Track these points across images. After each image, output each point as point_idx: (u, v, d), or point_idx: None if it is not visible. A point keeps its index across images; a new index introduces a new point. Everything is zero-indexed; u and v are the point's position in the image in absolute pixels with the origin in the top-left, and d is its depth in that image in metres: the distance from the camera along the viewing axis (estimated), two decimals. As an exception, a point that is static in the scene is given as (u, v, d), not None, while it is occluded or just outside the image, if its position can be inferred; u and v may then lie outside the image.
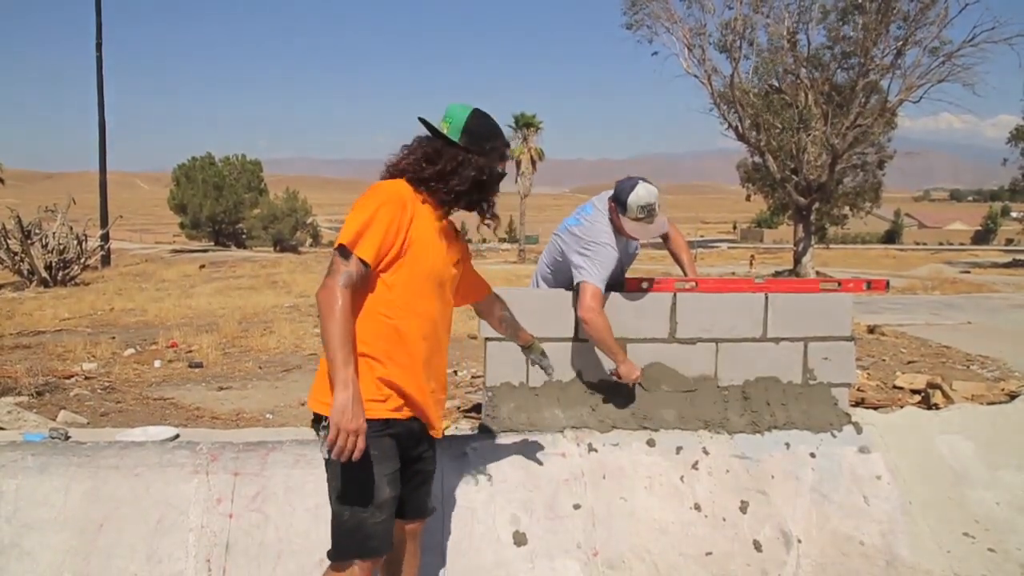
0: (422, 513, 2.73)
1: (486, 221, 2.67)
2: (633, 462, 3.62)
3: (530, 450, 3.59)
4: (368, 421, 2.27)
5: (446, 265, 2.56)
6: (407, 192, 2.44)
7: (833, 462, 3.75)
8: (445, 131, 2.51)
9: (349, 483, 2.37)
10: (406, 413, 2.47)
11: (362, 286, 2.36)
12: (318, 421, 2.37)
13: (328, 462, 2.38)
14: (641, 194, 3.53)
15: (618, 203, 3.59)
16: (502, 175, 2.60)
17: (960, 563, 3.43)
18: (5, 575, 2.99)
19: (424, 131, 2.57)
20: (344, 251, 2.30)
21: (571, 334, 3.75)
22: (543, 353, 3.19)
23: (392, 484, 2.43)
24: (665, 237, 4.04)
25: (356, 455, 2.22)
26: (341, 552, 2.43)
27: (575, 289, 3.66)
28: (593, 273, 3.59)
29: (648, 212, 3.55)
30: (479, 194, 2.55)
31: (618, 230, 3.66)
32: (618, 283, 3.84)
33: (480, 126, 2.53)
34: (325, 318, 2.25)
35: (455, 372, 6.73)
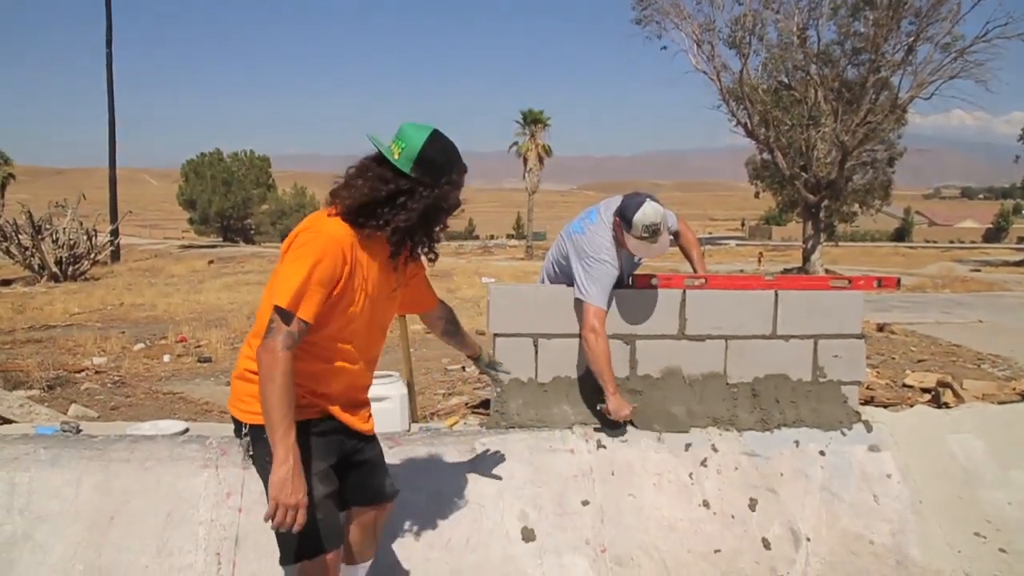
0: (380, 498, 2.69)
1: (423, 258, 2.51)
2: (642, 459, 3.62)
3: (539, 446, 3.60)
4: None
5: (379, 302, 2.45)
6: (346, 238, 2.28)
7: (843, 460, 3.74)
8: (396, 157, 2.29)
9: None
10: (326, 414, 2.45)
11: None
12: (239, 426, 2.39)
13: (261, 468, 2.37)
14: (648, 213, 3.47)
15: (623, 219, 3.54)
16: (454, 207, 2.40)
17: (971, 563, 3.42)
18: (19, 567, 3.01)
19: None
20: (284, 312, 2.19)
21: (578, 330, 3.74)
22: (491, 364, 3.17)
23: (325, 481, 2.39)
24: (676, 234, 4.03)
25: (296, 528, 2.21)
26: (288, 555, 2.39)
27: (576, 302, 3.67)
28: (594, 293, 3.59)
29: (652, 232, 3.50)
30: (424, 229, 2.37)
31: (620, 245, 3.64)
32: (617, 285, 3.83)
33: (436, 154, 2.31)
34: (265, 381, 2.18)
35: (463, 368, 6.73)
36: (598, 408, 3.68)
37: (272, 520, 2.19)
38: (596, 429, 3.73)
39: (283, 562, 2.41)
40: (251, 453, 2.39)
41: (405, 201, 2.28)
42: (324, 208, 2.39)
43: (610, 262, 3.62)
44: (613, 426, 3.71)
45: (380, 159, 2.32)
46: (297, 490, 2.19)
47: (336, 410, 2.47)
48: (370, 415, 2.64)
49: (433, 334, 3.06)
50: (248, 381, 2.36)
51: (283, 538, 2.36)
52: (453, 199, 2.39)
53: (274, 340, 2.18)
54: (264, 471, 2.33)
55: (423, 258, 2.51)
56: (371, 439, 2.65)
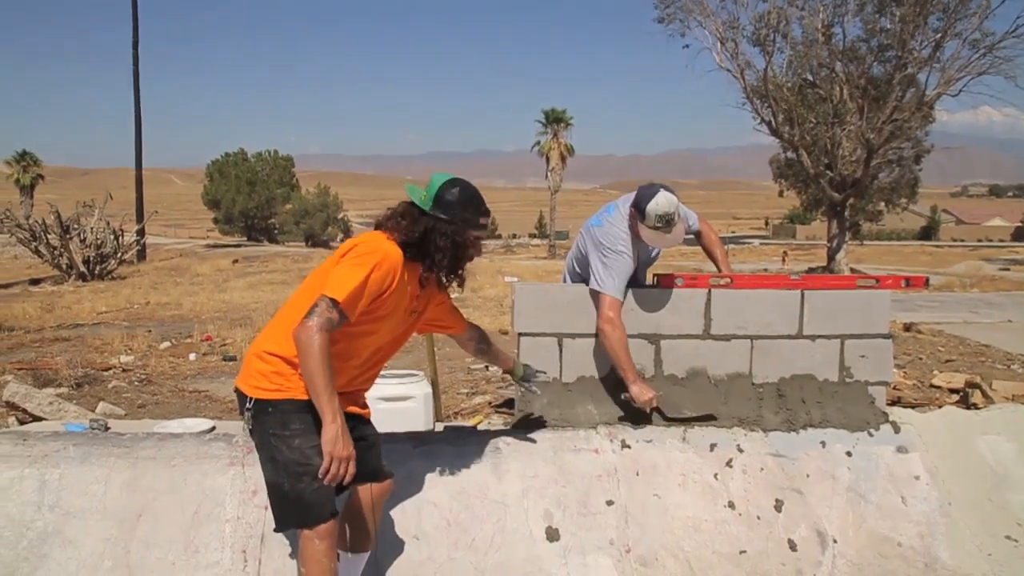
0: (377, 477, 2.82)
1: (448, 284, 2.83)
2: (667, 459, 3.60)
3: (563, 446, 3.59)
4: (289, 400, 2.52)
5: (398, 318, 2.73)
6: (399, 259, 2.61)
7: (870, 461, 3.70)
8: (422, 199, 2.68)
9: (283, 456, 2.53)
10: None
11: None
12: (243, 401, 2.61)
13: (258, 439, 2.60)
14: (660, 203, 3.50)
15: (638, 210, 3.57)
16: (470, 243, 2.73)
17: (1002, 567, 3.37)
18: (49, 562, 3.05)
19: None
20: (334, 303, 2.45)
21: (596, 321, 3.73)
22: (526, 376, 3.42)
23: (320, 454, 2.52)
24: (698, 234, 4.03)
25: (348, 479, 2.48)
26: (284, 522, 2.60)
27: (592, 294, 3.68)
28: (610, 283, 3.60)
29: (666, 222, 3.52)
30: (451, 264, 2.72)
31: (636, 236, 3.65)
32: (636, 283, 3.84)
33: (453, 195, 2.67)
34: (305, 356, 2.42)
35: (486, 367, 6.74)
36: (622, 397, 3.68)
37: (327, 475, 2.43)
38: (621, 420, 3.73)
39: (280, 528, 2.62)
40: (251, 427, 2.58)
41: (435, 239, 2.64)
42: (373, 230, 2.74)
43: (627, 253, 3.63)
44: (638, 416, 3.70)
45: (412, 203, 2.70)
46: (347, 445, 2.45)
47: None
48: (366, 404, 2.90)
49: (466, 351, 3.33)
50: (264, 361, 2.57)
51: (285, 506, 2.56)
52: (468, 235, 2.71)
53: (313, 320, 2.42)
54: (263, 444, 2.57)
55: (452, 286, 2.84)
56: (367, 421, 2.84)
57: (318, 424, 2.51)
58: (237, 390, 2.66)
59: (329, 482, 2.46)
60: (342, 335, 2.55)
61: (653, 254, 3.91)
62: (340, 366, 2.59)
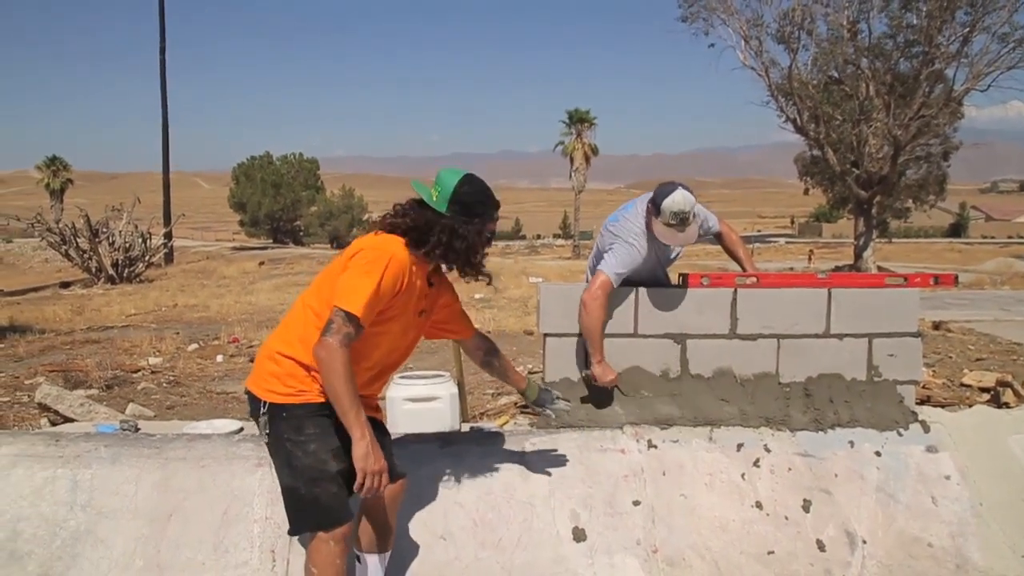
0: (392, 474, 2.74)
1: (467, 279, 2.79)
2: (693, 459, 3.59)
3: (589, 446, 3.59)
4: (304, 404, 2.52)
5: (409, 318, 2.69)
6: (407, 260, 2.58)
7: (899, 461, 3.66)
8: (434, 200, 2.63)
9: (299, 461, 2.52)
10: None
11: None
12: (257, 405, 2.58)
13: (273, 444, 2.58)
14: (677, 200, 3.48)
15: (654, 205, 3.57)
16: (489, 239, 2.72)
17: (1034, 567, 3.32)
18: (82, 561, 3.09)
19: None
20: (351, 317, 2.43)
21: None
22: (540, 399, 3.20)
23: (337, 458, 2.55)
24: (719, 235, 4.01)
25: (382, 490, 2.49)
26: (300, 525, 2.59)
27: (591, 271, 3.77)
28: (610, 264, 3.63)
29: (680, 220, 3.50)
30: (465, 258, 2.68)
31: (650, 231, 3.64)
32: (658, 283, 3.87)
33: (469, 194, 2.63)
34: (329, 375, 2.41)
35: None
36: (583, 374, 3.71)
37: (362, 489, 2.44)
38: (583, 400, 3.75)
39: (295, 531, 2.61)
40: (267, 431, 2.57)
41: (450, 238, 2.60)
42: (378, 230, 2.68)
43: (636, 245, 3.64)
44: (597, 393, 3.73)
45: (422, 202, 2.66)
46: (379, 459, 2.46)
47: None
48: (379, 407, 2.91)
49: (474, 362, 3.20)
50: (276, 363, 2.56)
51: (301, 510, 2.56)
52: (488, 231, 2.69)
53: (334, 337, 2.41)
54: (279, 449, 2.55)
55: (476, 279, 2.78)
56: (377, 423, 2.81)
57: (334, 427, 2.52)
58: (248, 392, 2.65)
59: (365, 495, 2.47)
60: (358, 343, 2.53)
61: (673, 254, 3.91)
62: (363, 370, 2.60)
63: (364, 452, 2.42)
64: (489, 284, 2.83)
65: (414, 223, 2.61)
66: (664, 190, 3.55)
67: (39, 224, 22.13)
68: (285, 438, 2.53)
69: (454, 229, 2.61)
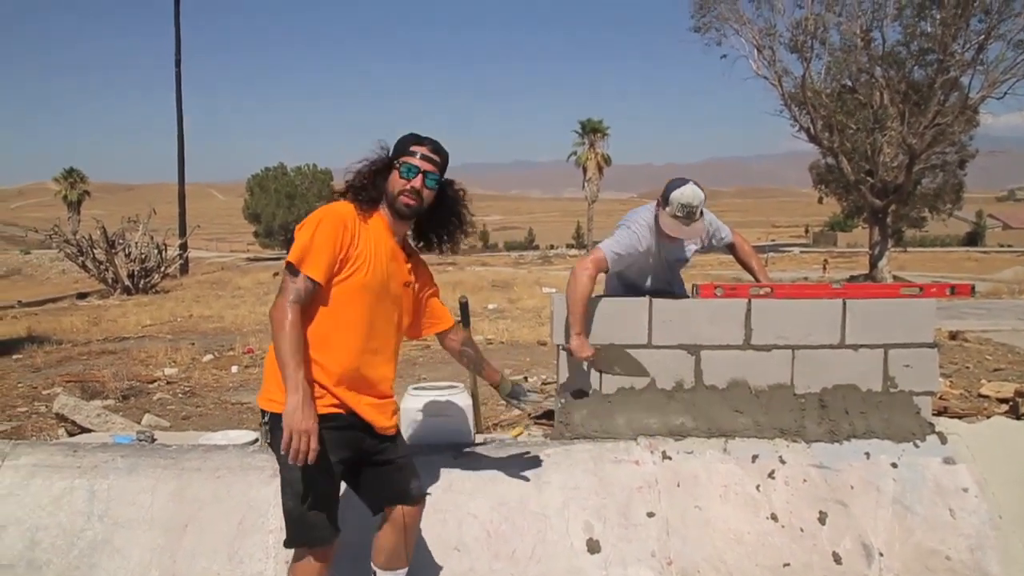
0: (404, 499, 2.77)
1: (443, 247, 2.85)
2: (708, 470, 3.58)
3: (603, 457, 3.58)
4: None
5: (385, 280, 2.65)
6: (348, 212, 2.60)
7: (916, 473, 3.63)
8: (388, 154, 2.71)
9: (289, 475, 2.50)
10: (344, 409, 2.59)
11: (311, 302, 2.53)
12: (263, 415, 2.60)
13: (277, 454, 2.52)
14: (686, 192, 3.55)
15: (663, 197, 3.63)
16: (413, 170, 2.65)
17: (1054, 580, 3.29)
18: (99, 571, 3.12)
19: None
20: (292, 269, 2.48)
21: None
22: (513, 392, 3.15)
23: (329, 475, 2.54)
24: (731, 247, 4.03)
25: (311, 456, 2.37)
26: (290, 540, 2.57)
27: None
28: (608, 244, 3.70)
29: (687, 213, 3.56)
30: (395, 197, 2.65)
31: (658, 227, 3.69)
32: (670, 289, 3.93)
33: (400, 139, 2.72)
34: (276, 332, 2.43)
35: (524, 378, 6.74)
36: (561, 347, 3.73)
37: (288, 450, 2.35)
38: (564, 387, 3.70)
39: (288, 544, 2.58)
40: (269, 440, 2.60)
41: (373, 177, 2.65)
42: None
43: (637, 233, 3.72)
44: (575, 376, 3.74)
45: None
46: (307, 417, 2.36)
47: (349, 397, 2.59)
48: (394, 412, 2.79)
49: (453, 356, 3.16)
50: (276, 372, 2.52)
51: (289, 524, 2.54)
52: (403, 163, 2.65)
53: (283, 297, 2.46)
54: (279, 459, 2.53)
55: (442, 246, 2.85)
56: (396, 441, 2.77)
57: (333, 441, 2.51)
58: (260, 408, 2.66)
59: (292, 461, 2.36)
60: (334, 305, 2.55)
61: (687, 253, 3.94)
62: (340, 341, 2.57)
63: (293, 407, 2.35)
64: (446, 251, 2.88)
65: (356, 179, 2.67)
66: (675, 183, 3.62)
67: (57, 236, 22.31)
68: (281, 450, 2.47)
69: (377, 170, 2.66)
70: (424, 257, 2.93)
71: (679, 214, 3.55)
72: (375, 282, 2.61)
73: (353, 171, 2.69)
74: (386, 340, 2.73)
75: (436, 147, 2.71)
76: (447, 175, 2.77)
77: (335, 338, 2.57)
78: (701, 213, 3.60)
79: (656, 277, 3.93)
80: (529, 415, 5.18)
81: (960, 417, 4.54)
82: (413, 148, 2.68)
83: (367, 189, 2.65)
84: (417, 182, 2.64)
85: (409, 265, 2.78)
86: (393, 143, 2.72)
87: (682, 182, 3.60)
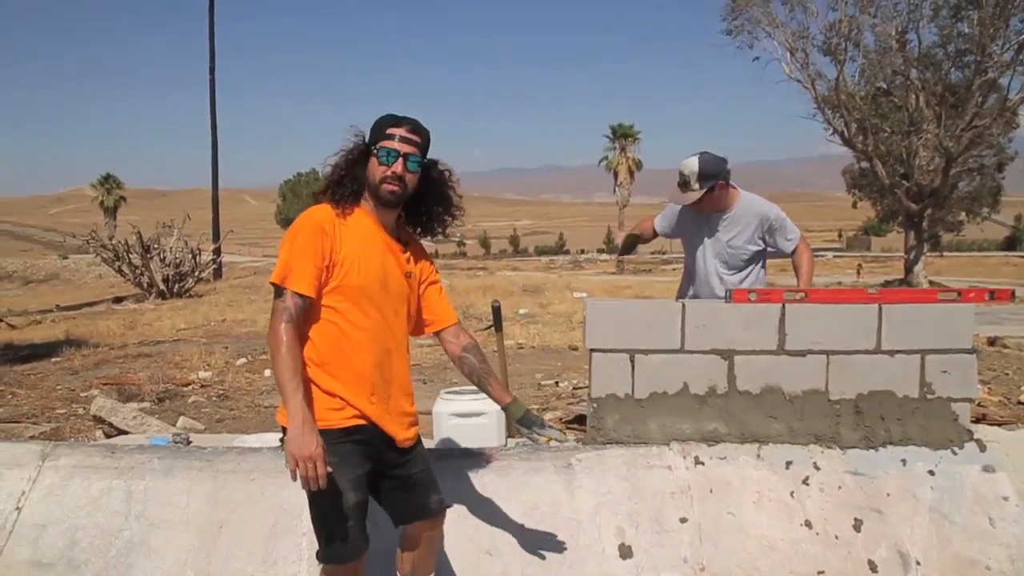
0: (423, 514, 2.71)
1: (436, 234, 2.73)
2: (741, 476, 3.54)
3: (635, 462, 3.56)
4: (327, 431, 2.39)
5: (382, 276, 2.54)
6: (325, 216, 2.48)
7: (954, 481, 3.57)
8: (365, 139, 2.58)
9: (313, 495, 2.40)
10: (365, 421, 2.52)
11: (306, 317, 2.45)
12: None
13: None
14: (685, 162, 4.00)
15: None
16: (392, 154, 2.49)
17: (1098, 592, 3.22)
18: (135, 571, 3.16)
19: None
20: (277, 289, 2.41)
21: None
22: (523, 421, 2.81)
23: (357, 489, 2.47)
24: (794, 252, 4.25)
25: (322, 482, 2.30)
26: (322, 555, 2.53)
27: None
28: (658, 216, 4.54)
29: (683, 180, 3.99)
30: (377, 185, 2.51)
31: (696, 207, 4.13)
32: (707, 270, 4.24)
33: (376, 122, 2.56)
34: (273, 357, 2.37)
35: (556, 383, 6.73)
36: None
37: (296, 477, 2.30)
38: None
39: (319, 560, 2.54)
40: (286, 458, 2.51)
41: (349, 169, 2.53)
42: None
43: (675, 208, 4.32)
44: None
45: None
46: (310, 443, 2.28)
47: (371, 409, 2.52)
48: (412, 423, 2.68)
49: (453, 362, 2.87)
50: None
51: (321, 539, 2.51)
52: (381, 148, 2.50)
53: (276, 319, 2.39)
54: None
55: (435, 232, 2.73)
56: (416, 454, 2.69)
57: (358, 455, 2.48)
58: None
59: (305, 487, 2.31)
60: (336, 312, 2.47)
61: (740, 239, 4.16)
62: (351, 346, 2.50)
63: (295, 434, 2.28)
64: (438, 237, 2.79)
65: (333, 173, 2.56)
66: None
67: (94, 241, 22.69)
68: (290, 478, 2.39)
69: (355, 160, 2.53)
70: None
71: (679, 180, 4.00)
72: (371, 280, 2.51)
73: (330, 165, 2.56)
74: (398, 337, 2.64)
75: (415, 126, 2.53)
76: (430, 155, 2.61)
77: (346, 344, 2.50)
78: (698, 183, 3.94)
79: (705, 257, 4.22)
80: (560, 419, 5.17)
81: (999, 424, 4.46)
82: (390, 131, 2.50)
83: (346, 183, 2.52)
84: (398, 167, 2.48)
85: (407, 254, 2.65)
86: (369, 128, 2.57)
87: (693, 154, 3.99)
